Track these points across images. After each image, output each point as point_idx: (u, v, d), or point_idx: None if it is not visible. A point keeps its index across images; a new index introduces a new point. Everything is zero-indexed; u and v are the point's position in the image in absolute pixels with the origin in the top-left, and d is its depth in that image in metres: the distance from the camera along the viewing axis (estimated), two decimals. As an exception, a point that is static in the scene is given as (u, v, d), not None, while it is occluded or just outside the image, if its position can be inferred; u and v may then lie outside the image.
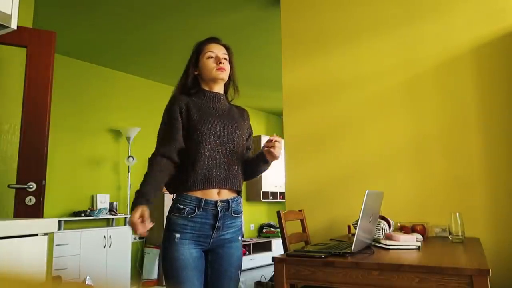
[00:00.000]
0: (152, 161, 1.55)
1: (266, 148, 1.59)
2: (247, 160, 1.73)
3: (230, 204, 1.58)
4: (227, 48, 1.70)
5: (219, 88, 1.69)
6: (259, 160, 1.67)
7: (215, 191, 1.56)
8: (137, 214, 1.44)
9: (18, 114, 2.40)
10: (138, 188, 1.51)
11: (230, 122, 1.64)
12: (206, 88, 1.67)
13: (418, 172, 2.53)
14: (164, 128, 1.60)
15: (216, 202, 1.54)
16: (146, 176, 1.52)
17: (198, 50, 1.66)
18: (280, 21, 3.20)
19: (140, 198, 1.47)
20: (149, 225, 1.44)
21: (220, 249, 1.59)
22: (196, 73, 1.68)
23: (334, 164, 2.82)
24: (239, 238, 1.66)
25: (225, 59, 1.65)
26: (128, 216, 4.73)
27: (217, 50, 1.65)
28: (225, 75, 1.65)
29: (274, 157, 1.60)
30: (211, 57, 1.63)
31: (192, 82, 1.66)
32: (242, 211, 1.68)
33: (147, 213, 1.46)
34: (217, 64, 1.62)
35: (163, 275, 1.57)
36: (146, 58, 4.73)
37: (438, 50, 2.56)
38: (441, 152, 2.48)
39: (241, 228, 1.69)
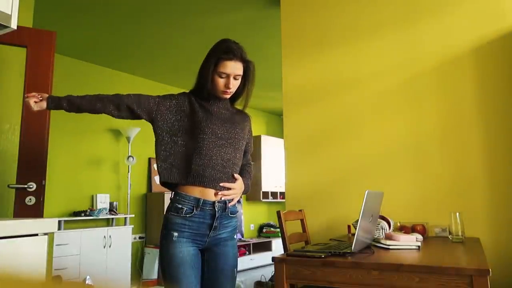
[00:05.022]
0: (116, 96, 1.61)
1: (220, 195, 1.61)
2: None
3: (227, 205, 1.61)
4: (244, 62, 1.63)
5: None
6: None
7: (212, 191, 1.58)
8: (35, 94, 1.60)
9: (18, 114, 2.40)
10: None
11: (232, 126, 1.66)
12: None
13: (418, 172, 2.53)
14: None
15: (213, 202, 1.57)
16: (92, 96, 1.60)
17: (216, 62, 1.60)
18: (280, 21, 3.20)
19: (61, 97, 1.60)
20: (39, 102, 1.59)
21: (216, 247, 1.62)
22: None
23: (334, 164, 2.82)
24: (235, 236, 1.70)
25: (236, 78, 1.63)
26: (128, 216, 4.75)
27: (231, 69, 1.59)
28: (229, 95, 1.67)
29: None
30: (222, 78, 1.61)
31: (211, 87, 1.63)
32: (238, 211, 1.72)
33: (45, 97, 1.60)
34: (225, 86, 1.61)
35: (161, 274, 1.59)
36: (146, 58, 4.73)
37: (438, 50, 2.56)
38: (441, 152, 2.48)
39: (236, 227, 1.72)
